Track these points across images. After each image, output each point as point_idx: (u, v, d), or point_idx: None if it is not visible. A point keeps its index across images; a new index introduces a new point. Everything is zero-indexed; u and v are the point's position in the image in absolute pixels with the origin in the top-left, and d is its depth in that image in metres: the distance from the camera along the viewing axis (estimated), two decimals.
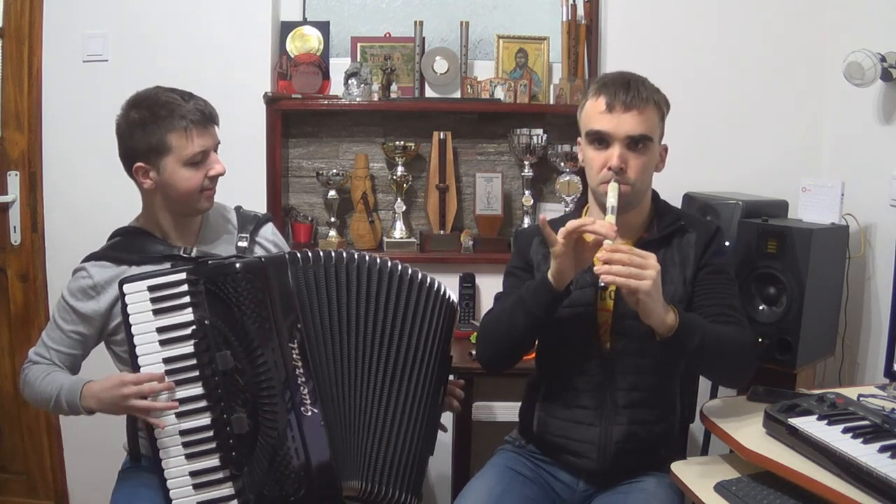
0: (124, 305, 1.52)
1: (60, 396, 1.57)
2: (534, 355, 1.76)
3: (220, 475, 1.50)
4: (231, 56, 2.51)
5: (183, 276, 1.53)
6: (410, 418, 1.63)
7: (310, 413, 1.52)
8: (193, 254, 1.65)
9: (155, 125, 1.58)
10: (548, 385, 1.71)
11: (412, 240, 2.63)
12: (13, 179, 2.55)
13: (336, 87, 2.58)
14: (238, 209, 1.85)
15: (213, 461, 1.50)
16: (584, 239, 1.50)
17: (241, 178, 2.49)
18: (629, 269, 1.41)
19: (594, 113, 1.59)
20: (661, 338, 1.50)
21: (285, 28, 2.63)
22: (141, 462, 1.66)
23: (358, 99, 2.51)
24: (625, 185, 1.56)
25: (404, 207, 2.63)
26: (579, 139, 1.67)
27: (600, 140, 1.58)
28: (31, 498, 2.63)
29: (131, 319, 1.52)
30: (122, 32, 2.50)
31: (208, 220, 1.76)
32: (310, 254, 1.61)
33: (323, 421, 1.53)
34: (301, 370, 1.53)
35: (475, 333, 2.19)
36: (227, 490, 1.49)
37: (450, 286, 2.27)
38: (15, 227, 2.56)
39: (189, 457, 1.49)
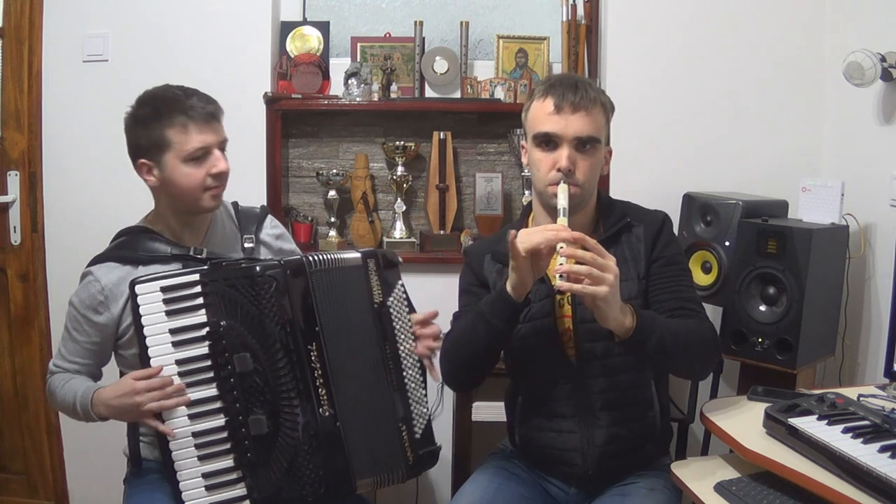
0: (136, 307, 1.51)
1: (76, 404, 1.56)
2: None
3: (233, 476, 1.50)
4: (231, 56, 2.51)
5: (196, 277, 1.52)
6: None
7: (327, 414, 1.53)
8: (204, 254, 1.64)
9: (156, 121, 1.57)
10: (524, 397, 1.71)
11: (412, 240, 2.63)
12: (13, 179, 2.55)
13: (336, 87, 2.58)
14: (235, 205, 1.84)
15: (227, 462, 1.50)
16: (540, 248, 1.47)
17: (241, 178, 2.48)
18: (590, 270, 1.39)
19: (542, 114, 1.58)
20: (619, 339, 1.50)
21: (285, 28, 2.64)
22: (142, 465, 1.64)
23: (358, 99, 2.51)
24: (574, 187, 1.55)
25: (404, 207, 2.63)
26: (524, 142, 1.66)
27: (548, 142, 1.57)
28: (31, 498, 2.63)
29: (143, 321, 1.51)
30: (122, 32, 2.51)
31: (216, 220, 1.74)
32: (320, 257, 1.59)
33: (339, 421, 1.54)
34: (319, 371, 1.54)
35: None
36: (239, 491, 1.50)
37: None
38: (15, 227, 2.56)
39: (202, 458, 1.49)
